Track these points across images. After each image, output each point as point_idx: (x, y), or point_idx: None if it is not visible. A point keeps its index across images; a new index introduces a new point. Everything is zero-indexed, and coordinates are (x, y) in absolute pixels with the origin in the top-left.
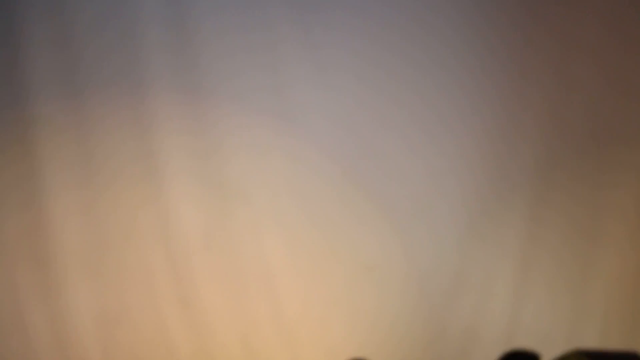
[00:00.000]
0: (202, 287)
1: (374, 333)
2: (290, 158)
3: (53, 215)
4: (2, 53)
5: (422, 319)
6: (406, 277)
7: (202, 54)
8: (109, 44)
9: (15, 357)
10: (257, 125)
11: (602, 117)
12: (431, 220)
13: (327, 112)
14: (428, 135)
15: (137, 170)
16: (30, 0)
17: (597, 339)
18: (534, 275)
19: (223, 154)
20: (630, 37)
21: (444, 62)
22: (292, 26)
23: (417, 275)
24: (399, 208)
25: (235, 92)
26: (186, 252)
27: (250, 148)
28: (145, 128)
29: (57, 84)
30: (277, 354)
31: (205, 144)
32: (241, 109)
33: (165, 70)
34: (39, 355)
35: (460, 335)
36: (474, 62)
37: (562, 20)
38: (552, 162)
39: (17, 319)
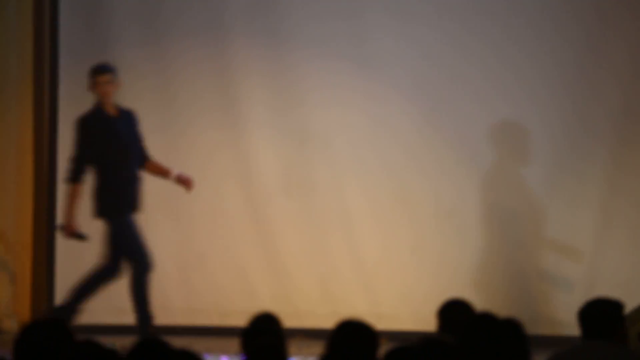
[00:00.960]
0: (281, 231)
1: (453, 278)
2: (369, 105)
3: None
4: (90, 10)
5: (503, 265)
6: (486, 223)
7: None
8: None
9: (97, 298)
10: (336, 71)
11: None
12: (514, 164)
13: (406, 61)
14: (499, 85)
15: (216, 116)
16: None
17: None
18: (616, 224)
19: (303, 101)
20: None
21: (522, 15)
22: None
23: (496, 222)
24: (479, 154)
25: (315, 38)
26: (266, 197)
27: (330, 96)
28: (225, 74)
29: (139, 32)
30: (355, 298)
31: (284, 91)
32: (321, 54)
33: (244, 16)
34: (120, 296)
35: (541, 281)
36: (553, 12)
37: None
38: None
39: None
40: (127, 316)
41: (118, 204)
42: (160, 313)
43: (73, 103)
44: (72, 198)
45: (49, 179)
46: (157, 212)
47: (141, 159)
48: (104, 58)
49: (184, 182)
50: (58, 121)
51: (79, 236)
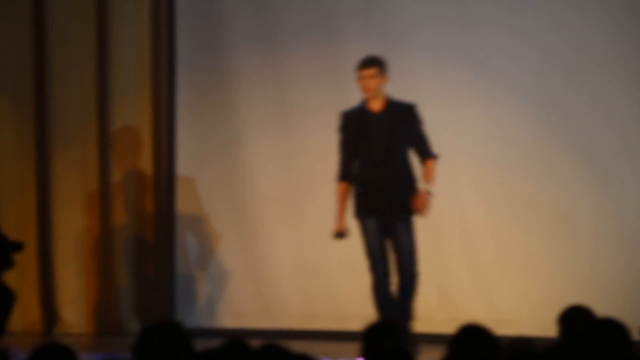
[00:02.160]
0: None
1: (570, 282)
2: (483, 107)
3: (251, 163)
4: (205, 10)
5: (621, 267)
6: (603, 225)
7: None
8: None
9: (217, 301)
10: (448, 74)
11: None
12: (632, 168)
13: (521, 62)
14: (619, 84)
15: (328, 117)
16: None
17: None
18: None
19: (417, 100)
20: None
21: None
22: None
23: (614, 224)
24: (593, 156)
25: (427, 40)
26: None
27: (443, 98)
28: (337, 75)
29: (256, 39)
30: (474, 303)
31: (397, 92)
32: (433, 57)
33: (356, 19)
34: (240, 300)
35: None
36: None
37: None
38: None
39: (220, 266)
40: (246, 320)
41: (367, 204)
42: (279, 317)
43: (190, 108)
44: (338, 197)
45: (168, 182)
46: (276, 216)
47: (420, 157)
48: (219, 62)
49: (419, 200)
50: (175, 126)
51: (340, 235)
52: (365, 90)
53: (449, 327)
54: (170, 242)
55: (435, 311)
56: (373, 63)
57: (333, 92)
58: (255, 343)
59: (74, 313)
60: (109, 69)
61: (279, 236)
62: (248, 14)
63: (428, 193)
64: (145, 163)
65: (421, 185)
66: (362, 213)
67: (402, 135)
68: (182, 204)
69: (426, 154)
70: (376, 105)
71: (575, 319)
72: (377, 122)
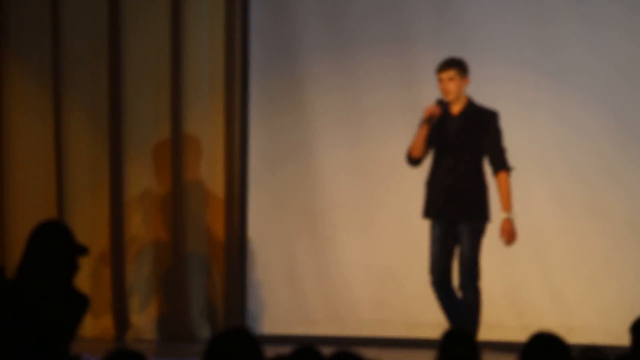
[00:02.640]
0: None
1: None
2: (560, 109)
3: (323, 170)
4: (278, 16)
5: None
6: None
7: (465, 12)
8: (378, 8)
9: (288, 308)
10: (524, 77)
11: None
12: None
13: (600, 58)
14: None
15: (400, 126)
16: None
17: None
18: None
19: (494, 104)
20: None
21: None
22: None
23: None
24: None
25: (503, 48)
26: None
27: (518, 100)
28: (412, 85)
29: (330, 46)
30: (544, 310)
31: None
32: (510, 63)
33: (429, 28)
34: (310, 307)
35: None
36: None
37: None
38: None
39: (290, 272)
40: (317, 327)
41: (435, 208)
42: (349, 324)
43: (263, 113)
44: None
45: (240, 188)
46: (347, 223)
47: (493, 168)
48: (292, 68)
49: (504, 231)
50: (249, 132)
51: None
52: (444, 93)
53: (519, 334)
54: (242, 248)
55: (505, 318)
56: (452, 65)
57: (406, 102)
58: (325, 350)
59: (145, 319)
60: (182, 75)
61: (350, 242)
62: (322, 20)
63: (509, 221)
64: (218, 168)
65: (502, 213)
66: (429, 215)
67: (477, 142)
68: (254, 209)
69: (500, 165)
70: (455, 108)
71: None
72: (454, 125)
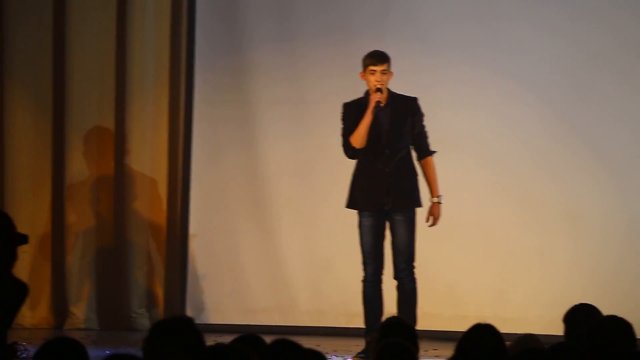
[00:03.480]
0: None
1: (582, 281)
2: (498, 104)
3: (266, 161)
4: (224, 8)
5: (629, 266)
6: (616, 226)
7: (409, 3)
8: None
9: (228, 298)
10: (464, 70)
11: None
12: None
13: (539, 50)
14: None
15: None
16: None
17: None
18: None
19: (433, 102)
20: None
21: None
22: None
23: (628, 225)
24: (612, 154)
25: (447, 40)
26: None
27: (459, 95)
28: (358, 80)
29: (273, 37)
30: (482, 301)
31: (414, 92)
32: (451, 57)
33: (372, 18)
34: (251, 297)
35: None
36: None
37: None
38: None
39: (231, 262)
40: (257, 317)
41: (359, 197)
42: (289, 314)
43: (208, 105)
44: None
45: (183, 178)
46: (288, 214)
47: (419, 154)
48: (237, 60)
49: (435, 215)
50: (193, 123)
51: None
52: (378, 84)
53: (456, 324)
54: (183, 238)
55: (443, 309)
56: (387, 59)
57: (350, 93)
58: (265, 340)
59: (85, 308)
60: (127, 66)
61: (291, 233)
62: (267, 13)
63: (440, 205)
64: (161, 158)
65: (432, 198)
66: (359, 206)
67: (405, 129)
68: (197, 199)
69: (426, 151)
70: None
71: (581, 317)
72: (383, 116)
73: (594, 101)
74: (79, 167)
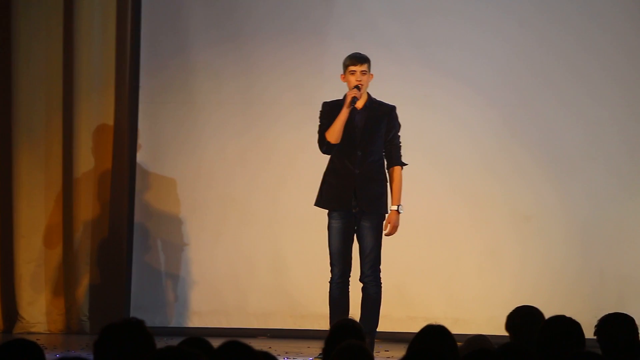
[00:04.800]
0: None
1: (531, 282)
2: (446, 102)
3: (212, 162)
4: (170, 9)
5: (580, 268)
6: (564, 227)
7: (356, 7)
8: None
9: (174, 300)
10: (410, 76)
11: None
12: (591, 171)
13: (485, 54)
14: (588, 82)
15: (296, 116)
16: None
17: None
18: None
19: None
20: None
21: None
22: None
23: (575, 226)
24: (558, 157)
25: (392, 38)
26: None
27: (407, 97)
28: (304, 75)
29: (219, 38)
30: (432, 302)
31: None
32: (400, 56)
33: (320, 22)
34: (197, 299)
35: (618, 284)
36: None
37: None
38: None
39: (177, 264)
40: (204, 319)
41: (327, 195)
42: (237, 316)
43: (154, 107)
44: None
45: (129, 179)
46: (234, 215)
47: (389, 162)
48: (183, 62)
49: (392, 223)
50: (138, 124)
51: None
52: (357, 83)
53: (407, 325)
54: (129, 240)
55: (393, 310)
56: (366, 60)
57: (298, 94)
58: (213, 343)
59: (34, 312)
60: (74, 67)
61: (237, 234)
62: (212, 13)
63: (398, 213)
64: (106, 160)
65: (391, 205)
66: (327, 204)
67: (379, 133)
68: (142, 200)
69: (397, 160)
70: (360, 103)
71: (522, 319)
72: (360, 118)
73: (541, 103)
74: (27, 169)
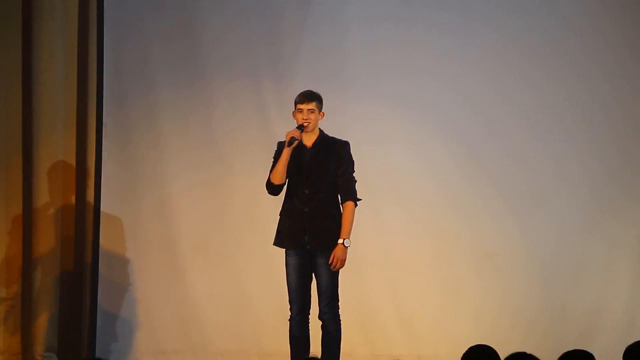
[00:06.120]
0: None
1: (494, 319)
2: (410, 139)
3: (177, 200)
4: (133, 49)
5: (544, 305)
6: (527, 264)
7: (316, 42)
8: (226, 32)
9: (139, 339)
10: (377, 109)
11: None
12: (553, 208)
13: (448, 84)
14: (554, 116)
15: (256, 153)
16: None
17: None
18: None
19: (345, 136)
20: None
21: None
22: None
23: (537, 261)
24: (521, 193)
25: (356, 76)
26: None
27: (371, 134)
28: (266, 113)
29: (183, 76)
30: (395, 340)
31: (326, 127)
32: (362, 92)
33: (277, 57)
34: (162, 337)
35: (580, 320)
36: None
37: None
38: None
39: (142, 302)
40: (169, 358)
41: (282, 235)
42: (203, 355)
43: (118, 145)
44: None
45: (93, 220)
46: (200, 253)
47: (341, 197)
48: (147, 100)
49: (337, 257)
50: (102, 163)
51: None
52: (305, 121)
53: None
54: (93, 279)
55: (356, 347)
56: (314, 98)
57: (260, 128)
58: None
59: None
60: (35, 105)
61: (204, 272)
62: (175, 54)
63: (345, 247)
64: (70, 199)
65: (339, 239)
66: (282, 244)
67: (330, 171)
68: (106, 240)
69: (349, 195)
70: (309, 140)
71: (476, 358)
72: (308, 155)
73: (504, 140)
74: None
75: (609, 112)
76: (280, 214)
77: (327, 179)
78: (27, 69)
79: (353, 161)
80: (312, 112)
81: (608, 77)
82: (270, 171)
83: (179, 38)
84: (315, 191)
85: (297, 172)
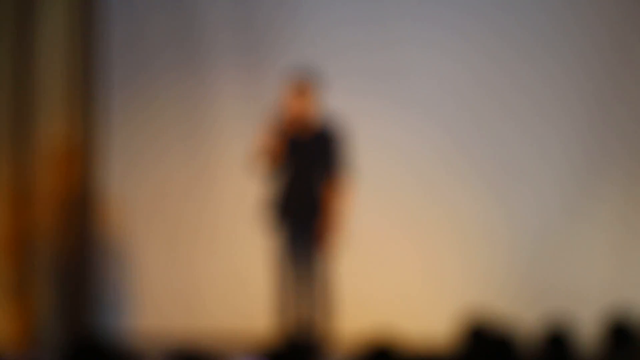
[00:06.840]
0: None
1: (473, 300)
2: (394, 119)
3: (178, 181)
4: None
5: (524, 283)
6: (510, 245)
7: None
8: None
9: (144, 318)
10: (361, 105)
11: None
12: (535, 190)
13: (432, 72)
14: (532, 101)
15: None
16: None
17: None
18: (636, 243)
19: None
20: None
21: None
22: None
23: (522, 240)
24: (502, 174)
25: (344, 69)
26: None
27: (357, 114)
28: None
29: (182, 61)
30: (365, 321)
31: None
32: (347, 86)
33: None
34: (166, 317)
35: (564, 295)
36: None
37: None
38: None
39: (148, 282)
40: None
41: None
42: (203, 333)
43: (121, 126)
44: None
45: (91, 202)
46: (199, 235)
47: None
48: (144, 91)
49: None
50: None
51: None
52: (300, 111)
53: None
54: (94, 262)
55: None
56: (311, 88)
57: (255, 116)
58: None
59: None
60: (36, 85)
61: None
62: (170, 41)
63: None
64: (70, 182)
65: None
66: (279, 221)
67: (324, 159)
68: (106, 223)
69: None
70: (305, 129)
71: None
72: (305, 145)
73: (485, 125)
74: None
75: (586, 100)
76: (271, 204)
77: (320, 168)
78: (25, 53)
79: (342, 150)
80: (309, 102)
81: (586, 64)
82: (265, 153)
83: (182, 24)
84: (309, 182)
85: (295, 158)
